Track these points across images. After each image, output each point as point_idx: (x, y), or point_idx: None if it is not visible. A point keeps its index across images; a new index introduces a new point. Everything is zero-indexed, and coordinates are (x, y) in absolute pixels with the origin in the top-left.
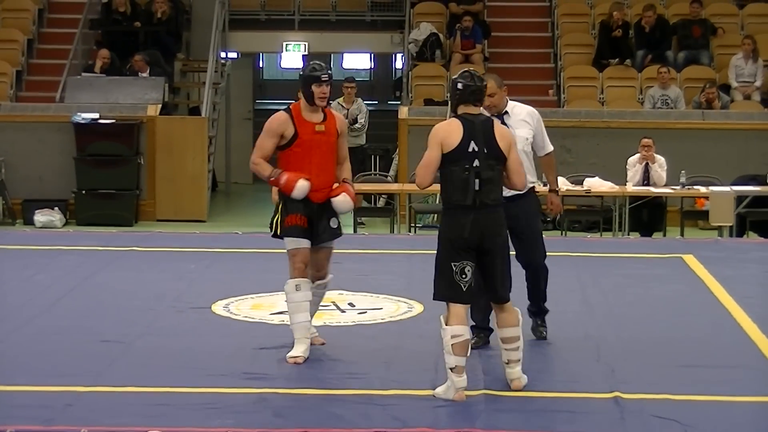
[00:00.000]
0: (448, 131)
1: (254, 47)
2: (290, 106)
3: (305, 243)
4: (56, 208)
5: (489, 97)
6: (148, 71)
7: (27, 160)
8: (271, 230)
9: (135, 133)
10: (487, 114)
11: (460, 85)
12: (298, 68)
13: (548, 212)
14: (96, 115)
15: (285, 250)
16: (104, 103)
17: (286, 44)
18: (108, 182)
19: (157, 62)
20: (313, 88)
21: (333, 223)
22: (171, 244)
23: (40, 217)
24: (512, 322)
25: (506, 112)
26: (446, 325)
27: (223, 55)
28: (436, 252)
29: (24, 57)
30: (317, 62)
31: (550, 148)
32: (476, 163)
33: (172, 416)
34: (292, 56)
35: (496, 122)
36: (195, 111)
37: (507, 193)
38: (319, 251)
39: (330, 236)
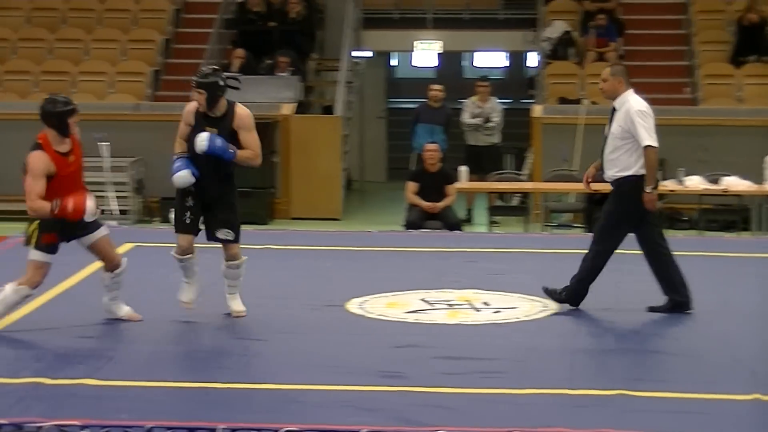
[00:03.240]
0: None
1: (387, 46)
2: (39, 141)
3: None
4: None
5: (602, 82)
6: (287, 72)
7: (164, 159)
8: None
9: (270, 131)
10: None
11: None
12: (432, 67)
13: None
14: None
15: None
16: (239, 102)
17: (419, 43)
18: (243, 180)
19: (291, 61)
20: (69, 120)
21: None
22: (305, 243)
23: None
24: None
25: (614, 107)
26: None
27: (356, 54)
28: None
29: (161, 57)
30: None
31: (645, 143)
32: None
33: (307, 413)
34: (425, 55)
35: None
36: (329, 110)
37: (608, 179)
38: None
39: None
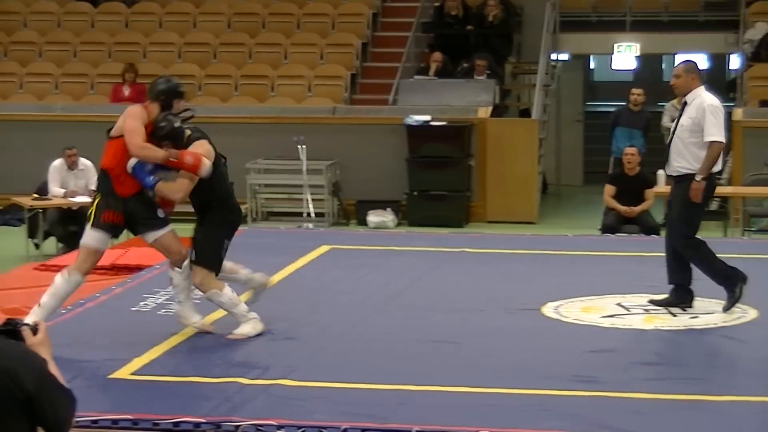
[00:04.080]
0: None
1: (585, 49)
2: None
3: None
4: (389, 209)
5: (675, 78)
6: (485, 75)
7: (360, 161)
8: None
9: (466, 135)
10: None
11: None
12: (630, 70)
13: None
14: (428, 118)
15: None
16: (435, 105)
17: (617, 46)
18: (439, 184)
19: (488, 65)
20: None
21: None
22: (501, 246)
23: (373, 217)
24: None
25: (686, 101)
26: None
27: (553, 57)
28: None
29: (358, 60)
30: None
31: (711, 138)
32: None
33: (503, 417)
34: (623, 58)
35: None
36: (525, 113)
37: (672, 173)
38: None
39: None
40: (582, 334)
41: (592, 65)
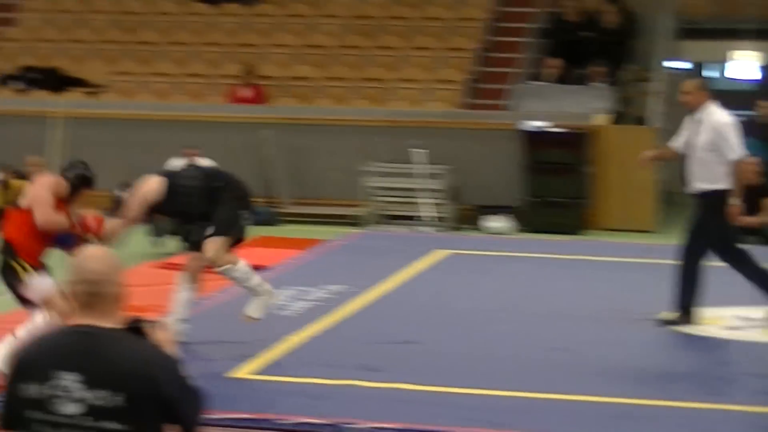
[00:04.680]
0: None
1: (702, 57)
2: None
3: None
4: (506, 215)
5: (685, 95)
6: (601, 82)
7: (477, 166)
8: None
9: (582, 142)
10: None
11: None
12: (752, 80)
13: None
14: (546, 124)
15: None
16: (551, 111)
17: (735, 54)
18: (556, 191)
19: (605, 72)
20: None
21: None
22: (618, 254)
23: (491, 223)
24: None
25: (698, 117)
26: None
27: (671, 64)
28: None
29: (475, 65)
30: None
31: (733, 156)
32: None
33: (628, 427)
34: (743, 66)
35: None
36: (643, 121)
37: (694, 192)
38: None
39: None
40: (702, 345)
41: (711, 73)
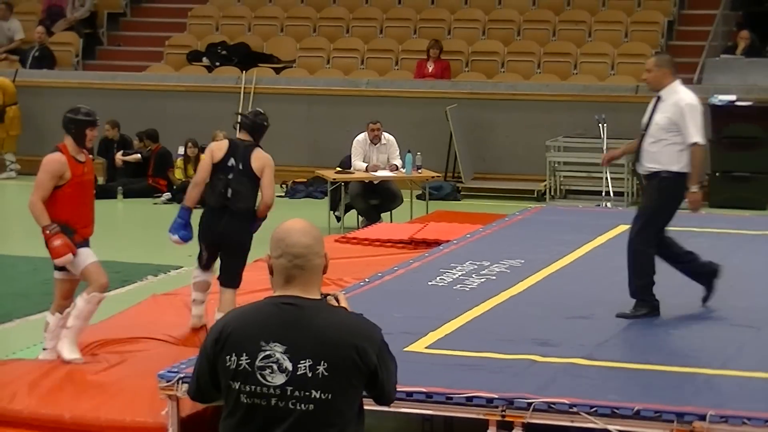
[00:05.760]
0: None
1: None
2: (59, 147)
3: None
4: None
5: (647, 72)
6: None
7: None
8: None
9: None
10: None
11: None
12: None
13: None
14: (733, 97)
15: None
16: (742, 85)
17: None
18: (744, 165)
19: None
20: (87, 131)
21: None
22: None
23: None
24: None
25: (660, 96)
26: None
27: None
28: None
29: (663, 39)
30: (86, 107)
31: (693, 140)
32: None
33: None
34: None
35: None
36: None
37: (643, 172)
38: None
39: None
40: None
41: None
